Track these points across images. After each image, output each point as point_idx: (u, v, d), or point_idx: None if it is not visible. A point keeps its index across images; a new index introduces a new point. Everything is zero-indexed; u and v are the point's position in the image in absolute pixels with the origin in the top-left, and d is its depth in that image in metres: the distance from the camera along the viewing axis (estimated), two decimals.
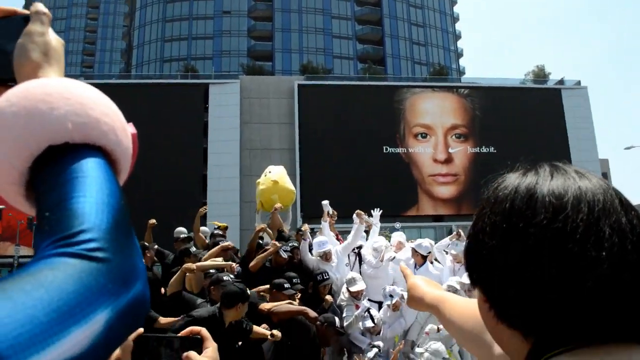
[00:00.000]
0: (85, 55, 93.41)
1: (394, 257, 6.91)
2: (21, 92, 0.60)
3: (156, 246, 7.58)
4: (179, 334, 1.17)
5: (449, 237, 7.24)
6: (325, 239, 7.02)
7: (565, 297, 0.59)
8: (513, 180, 0.69)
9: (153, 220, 7.77)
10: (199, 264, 5.65)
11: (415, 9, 67.15)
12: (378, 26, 65.20)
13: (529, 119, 40.10)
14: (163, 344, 1.14)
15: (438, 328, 5.73)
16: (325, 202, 7.77)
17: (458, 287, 6.01)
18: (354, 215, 7.05)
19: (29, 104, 0.59)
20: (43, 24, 0.72)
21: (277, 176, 8.63)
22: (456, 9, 72.06)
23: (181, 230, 8.50)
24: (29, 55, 0.69)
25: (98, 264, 0.52)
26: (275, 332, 4.73)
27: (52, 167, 0.58)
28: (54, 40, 0.72)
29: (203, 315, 4.31)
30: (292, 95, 40.78)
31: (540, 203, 0.63)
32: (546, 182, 0.66)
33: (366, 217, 7.24)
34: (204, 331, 1.17)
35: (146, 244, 7.18)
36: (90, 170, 0.58)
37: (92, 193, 0.56)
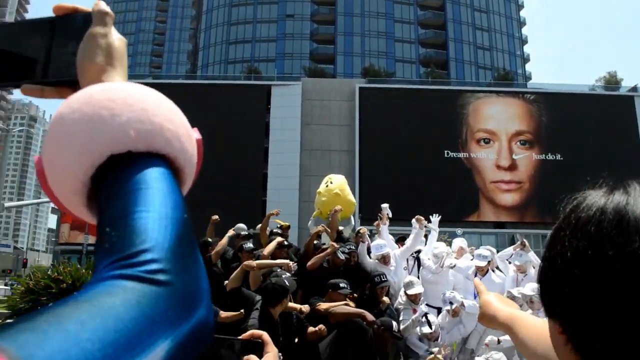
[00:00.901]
0: (153, 56, 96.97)
1: (455, 265, 6.77)
2: (84, 97, 0.58)
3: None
4: (240, 337, 1.17)
5: (512, 246, 7.01)
6: (383, 242, 6.96)
7: None
8: (597, 199, 0.60)
9: (216, 217, 7.95)
10: (258, 261, 5.73)
11: (480, 13, 65.81)
12: (441, 30, 64.28)
13: (598, 127, 38.38)
14: (224, 346, 1.14)
15: (499, 340, 5.57)
16: (385, 206, 7.70)
17: (519, 296, 5.83)
18: (414, 220, 6.96)
19: (91, 111, 0.56)
20: (106, 25, 0.69)
21: (338, 188, 8.63)
22: (523, 13, 70.11)
23: (241, 227, 8.60)
24: (92, 58, 0.66)
25: (159, 287, 0.48)
26: (321, 326, 4.79)
27: (114, 177, 0.55)
28: (117, 40, 0.69)
29: (255, 325, 4.37)
30: (353, 97, 40.75)
31: (634, 227, 0.55)
32: (638, 202, 0.57)
33: (425, 222, 7.13)
34: (265, 335, 1.17)
35: (209, 239, 7.34)
36: (154, 181, 0.55)
37: (155, 207, 0.53)
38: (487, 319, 1.15)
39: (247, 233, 8.14)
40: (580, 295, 0.56)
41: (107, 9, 0.70)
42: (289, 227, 7.87)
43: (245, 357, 1.11)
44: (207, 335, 0.52)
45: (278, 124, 39.99)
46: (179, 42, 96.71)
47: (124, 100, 0.58)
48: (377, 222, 7.61)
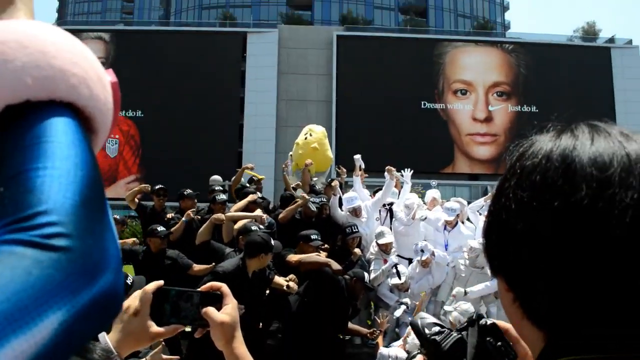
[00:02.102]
0: (124, 1, 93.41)
1: (426, 218, 6.84)
2: None
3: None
4: (199, 289, 1.14)
5: (483, 198, 7.10)
6: (355, 194, 6.97)
7: (609, 300, 0.49)
8: (544, 144, 0.56)
9: (251, 165, 7.76)
10: (228, 214, 5.70)
11: None
12: None
13: (575, 78, 38.61)
14: (183, 297, 1.11)
15: (465, 291, 5.70)
16: (358, 157, 7.68)
17: (479, 247, 5.95)
18: (385, 171, 6.98)
19: None
20: None
21: (317, 142, 8.53)
22: None
23: (216, 179, 8.52)
24: None
25: (56, 253, 0.43)
26: (291, 284, 4.80)
27: (12, 130, 0.49)
28: None
29: (228, 269, 4.37)
30: (331, 46, 40.14)
31: (580, 175, 0.51)
32: (586, 147, 0.53)
33: (397, 173, 7.15)
34: (224, 287, 1.14)
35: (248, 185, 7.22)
36: (56, 133, 0.49)
37: (55, 163, 0.47)
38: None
39: (222, 188, 8.03)
40: (524, 250, 0.53)
41: None
42: (262, 179, 7.81)
43: (204, 309, 1.09)
44: (115, 304, 0.48)
45: (254, 73, 39.31)
46: None
47: (19, 43, 0.49)
48: (360, 174, 7.65)
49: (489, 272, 0.63)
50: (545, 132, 0.58)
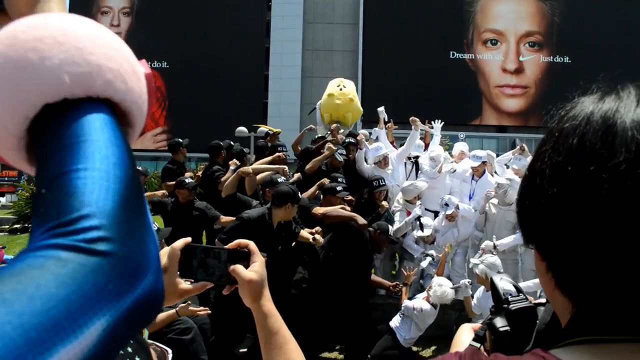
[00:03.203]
0: None
1: (454, 170, 6.79)
2: (7, 38, 0.49)
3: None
4: (227, 246, 1.14)
5: (511, 151, 6.99)
6: (380, 144, 6.94)
7: None
8: (586, 106, 0.52)
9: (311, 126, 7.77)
10: (253, 166, 5.73)
11: None
12: None
13: (611, 28, 37.09)
14: (211, 255, 1.12)
15: (494, 244, 5.69)
16: (381, 109, 7.61)
17: (508, 182, 5.95)
18: (410, 122, 6.92)
19: (16, 55, 0.48)
20: None
21: (352, 93, 8.59)
22: None
23: (242, 130, 8.53)
24: None
25: (99, 258, 0.43)
26: (317, 236, 4.84)
27: (50, 129, 0.49)
28: None
29: (253, 216, 4.41)
30: None
31: (621, 139, 0.47)
32: (630, 110, 0.49)
33: (420, 124, 7.07)
34: (252, 245, 1.14)
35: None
36: (94, 131, 0.48)
37: (95, 164, 0.46)
38: None
39: (247, 137, 7.98)
40: (557, 218, 0.50)
41: None
42: (278, 133, 7.79)
43: (232, 266, 1.10)
44: (156, 305, 0.47)
45: (279, 22, 38.73)
46: None
47: (54, 39, 0.49)
48: (389, 126, 7.64)
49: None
50: (589, 94, 0.54)
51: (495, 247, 5.64)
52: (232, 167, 5.87)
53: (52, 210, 0.44)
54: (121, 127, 0.52)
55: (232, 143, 7.15)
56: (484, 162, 6.64)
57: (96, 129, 0.49)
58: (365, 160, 6.77)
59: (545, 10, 38.35)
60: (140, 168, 7.80)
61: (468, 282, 5.22)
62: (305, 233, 4.87)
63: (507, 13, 38.12)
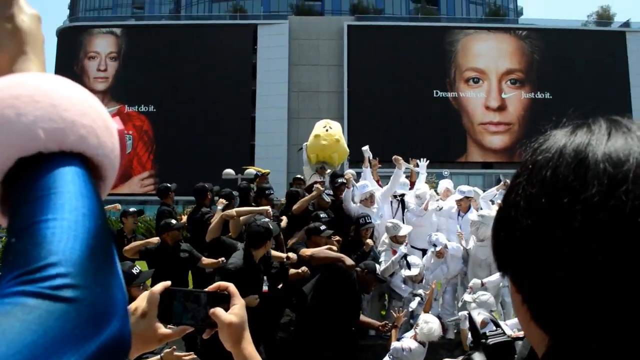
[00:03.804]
0: None
1: (441, 208, 6.83)
2: None
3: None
4: (207, 289, 1.14)
5: (496, 187, 7.06)
6: (366, 182, 6.99)
7: (618, 311, 0.46)
8: (559, 139, 0.53)
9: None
10: (237, 209, 5.73)
11: None
12: None
13: (590, 63, 38.18)
14: (190, 298, 1.12)
15: (482, 282, 5.68)
16: (365, 148, 7.70)
17: (480, 219, 5.98)
18: (393, 161, 7.00)
19: None
20: (10, 4, 0.61)
21: (338, 134, 8.67)
22: None
23: (229, 172, 8.55)
24: None
25: (65, 304, 0.43)
26: (290, 254, 4.97)
27: (23, 182, 0.51)
28: (27, 20, 0.61)
29: (239, 265, 4.39)
30: (342, 36, 40.03)
31: (593, 172, 0.48)
32: (601, 143, 0.50)
33: (404, 162, 7.15)
34: (231, 287, 1.14)
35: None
36: (65, 184, 0.50)
37: (64, 214, 0.48)
38: None
39: (235, 179, 7.99)
40: (532, 250, 0.50)
41: None
42: (267, 173, 7.81)
43: (212, 309, 1.10)
44: (122, 350, 0.48)
45: (265, 65, 39.35)
46: None
47: (31, 97, 0.52)
48: (373, 164, 7.69)
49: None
50: (561, 127, 0.56)
51: (483, 284, 5.63)
52: (219, 207, 5.87)
53: (20, 258, 0.45)
54: (93, 180, 0.54)
55: (218, 187, 7.14)
56: (467, 198, 6.71)
57: (67, 181, 0.50)
58: (353, 200, 6.79)
59: (525, 48, 39.39)
60: (134, 209, 7.73)
61: (466, 314, 5.18)
62: (277, 253, 4.95)
63: (487, 51, 39.10)
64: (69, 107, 0.53)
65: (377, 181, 7.72)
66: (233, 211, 5.53)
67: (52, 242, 0.46)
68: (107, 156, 0.56)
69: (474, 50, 39.26)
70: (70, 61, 38.76)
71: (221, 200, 6.03)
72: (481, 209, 7.08)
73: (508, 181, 6.82)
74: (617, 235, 0.45)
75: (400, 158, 7.00)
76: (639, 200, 0.45)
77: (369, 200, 6.70)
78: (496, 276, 5.77)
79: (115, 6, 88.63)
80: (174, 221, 5.95)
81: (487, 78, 38.76)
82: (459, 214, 6.73)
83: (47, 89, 0.54)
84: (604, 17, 47.96)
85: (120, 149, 0.60)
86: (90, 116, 0.55)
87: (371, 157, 7.74)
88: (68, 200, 0.49)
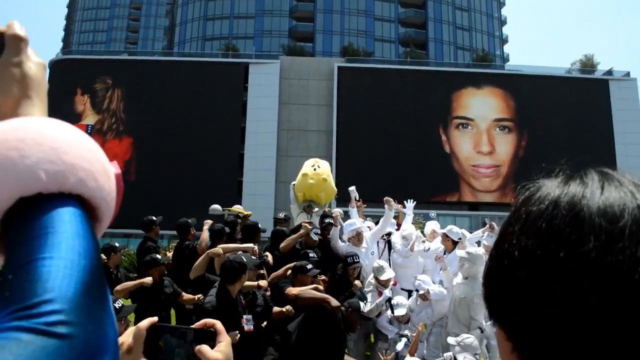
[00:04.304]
0: (129, 31, 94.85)
1: (429, 249, 6.83)
2: None
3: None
4: (193, 326, 1.14)
5: (482, 229, 7.10)
6: (354, 220, 6.99)
7: None
8: (552, 190, 0.54)
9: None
10: (224, 246, 5.70)
11: None
12: (421, 9, 64.00)
13: (575, 110, 39.13)
14: (176, 335, 1.11)
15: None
16: (352, 188, 7.74)
17: (467, 256, 5.96)
18: (384, 202, 7.01)
19: None
20: (20, 52, 0.64)
21: (326, 173, 8.70)
22: None
23: (215, 208, 8.53)
24: (5, 91, 0.63)
25: (59, 340, 0.45)
26: (261, 282, 5.03)
27: (22, 220, 0.53)
28: (34, 67, 0.65)
29: (214, 303, 4.34)
30: (332, 77, 40.63)
31: (589, 226, 0.48)
32: (595, 196, 0.50)
33: (395, 203, 7.16)
34: (218, 324, 1.14)
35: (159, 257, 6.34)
36: (62, 224, 0.52)
37: (60, 253, 0.50)
38: None
39: (222, 215, 8.01)
40: (526, 301, 0.50)
41: (22, 32, 0.65)
42: (249, 215, 7.80)
43: (198, 346, 1.09)
44: None
45: (255, 103, 39.74)
46: (155, 17, 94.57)
47: (34, 140, 0.54)
48: (359, 205, 7.70)
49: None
50: (552, 177, 0.56)
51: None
52: (206, 227, 5.91)
53: (17, 294, 0.47)
54: (90, 220, 0.56)
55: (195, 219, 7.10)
56: (454, 241, 6.73)
57: (65, 221, 0.52)
58: (340, 238, 6.78)
59: (511, 95, 40.28)
60: (117, 244, 7.59)
61: (451, 356, 5.12)
62: (250, 283, 4.93)
63: (476, 103, 40.14)
64: (69, 150, 0.55)
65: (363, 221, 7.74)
66: (219, 249, 5.50)
67: (48, 279, 0.47)
68: (104, 199, 0.58)
69: (463, 102, 40.31)
70: (61, 93, 38.88)
71: (207, 221, 6.10)
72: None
73: (494, 224, 6.91)
74: (615, 291, 0.45)
75: (391, 199, 7.03)
76: (635, 257, 0.46)
77: (356, 238, 6.68)
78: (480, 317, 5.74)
79: (108, 41, 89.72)
80: (159, 256, 5.91)
81: (476, 125, 39.63)
82: (444, 253, 6.74)
83: (49, 132, 0.56)
84: (588, 65, 49.30)
85: (117, 192, 0.62)
86: (89, 160, 0.57)
87: (357, 197, 7.77)
88: (65, 239, 0.51)
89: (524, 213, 0.54)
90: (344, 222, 7.09)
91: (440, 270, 6.56)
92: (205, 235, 6.34)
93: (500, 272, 0.54)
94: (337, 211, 7.47)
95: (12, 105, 0.62)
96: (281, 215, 8.00)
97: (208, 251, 5.44)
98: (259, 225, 6.60)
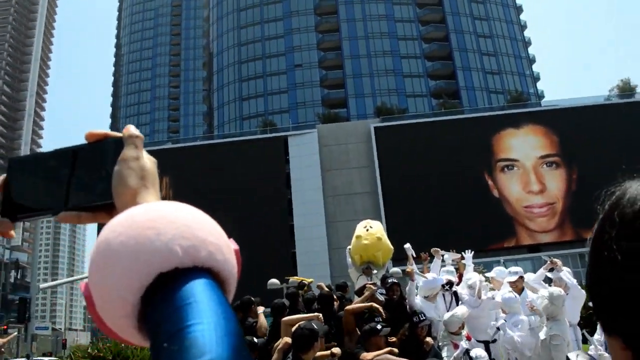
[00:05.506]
0: (170, 121, 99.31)
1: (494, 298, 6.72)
2: (125, 220, 0.60)
3: None
4: None
5: (543, 267, 7.00)
6: (433, 275, 7.02)
7: None
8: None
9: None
10: (294, 317, 5.73)
11: (484, 38, 66.23)
12: (448, 60, 64.83)
13: (619, 135, 38.05)
14: None
15: None
16: (407, 246, 7.70)
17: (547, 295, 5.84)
18: (432, 253, 7.13)
19: (135, 233, 0.58)
20: (137, 148, 0.72)
21: (379, 232, 8.76)
22: (527, 33, 70.30)
23: (274, 282, 8.61)
24: (126, 181, 0.69)
25: None
26: (334, 350, 4.83)
27: (163, 295, 0.57)
28: (148, 162, 0.72)
29: None
30: (369, 138, 41.07)
31: None
32: None
33: (442, 251, 7.28)
34: None
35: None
36: (202, 294, 0.56)
37: (208, 319, 0.54)
38: None
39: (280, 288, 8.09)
40: None
41: (137, 132, 0.73)
42: (311, 282, 7.86)
43: None
44: None
45: (298, 173, 40.33)
46: (193, 104, 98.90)
47: (166, 219, 0.59)
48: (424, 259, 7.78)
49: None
50: (635, 179, 0.55)
51: None
52: (260, 312, 6.00)
53: (178, 359, 0.51)
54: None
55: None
56: (521, 277, 6.64)
57: (204, 291, 0.56)
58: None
59: (552, 131, 39.62)
60: None
61: None
62: (322, 352, 4.83)
63: (518, 143, 39.54)
64: (198, 227, 0.60)
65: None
66: (292, 319, 5.53)
67: (204, 343, 0.51)
68: (230, 272, 0.63)
69: (505, 144, 39.86)
70: None
71: (260, 307, 6.21)
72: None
73: (556, 260, 6.76)
74: None
75: (438, 249, 7.10)
76: None
77: (434, 296, 6.69)
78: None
79: (152, 132, 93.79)
80: (255, 340, 6.05)
81: (522, 165, 38.97)
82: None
83: (178, 212, 0.61)
84: (626, 89, 48.37)
85: (237, 267, 0.67)
86: (216, 236, 0.62)
87: (414, 254, 7.74)
88: (209, 306, 0.55)
89: (618, 216, 0.52)
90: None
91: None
92: (262, 319, 6.47)
93: (606, 282, 0.52)
94: (394, 271, 7.47)
95: (132, 195, 0.69)
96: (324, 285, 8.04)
97: (282, 320, 5.47)
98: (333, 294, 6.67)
